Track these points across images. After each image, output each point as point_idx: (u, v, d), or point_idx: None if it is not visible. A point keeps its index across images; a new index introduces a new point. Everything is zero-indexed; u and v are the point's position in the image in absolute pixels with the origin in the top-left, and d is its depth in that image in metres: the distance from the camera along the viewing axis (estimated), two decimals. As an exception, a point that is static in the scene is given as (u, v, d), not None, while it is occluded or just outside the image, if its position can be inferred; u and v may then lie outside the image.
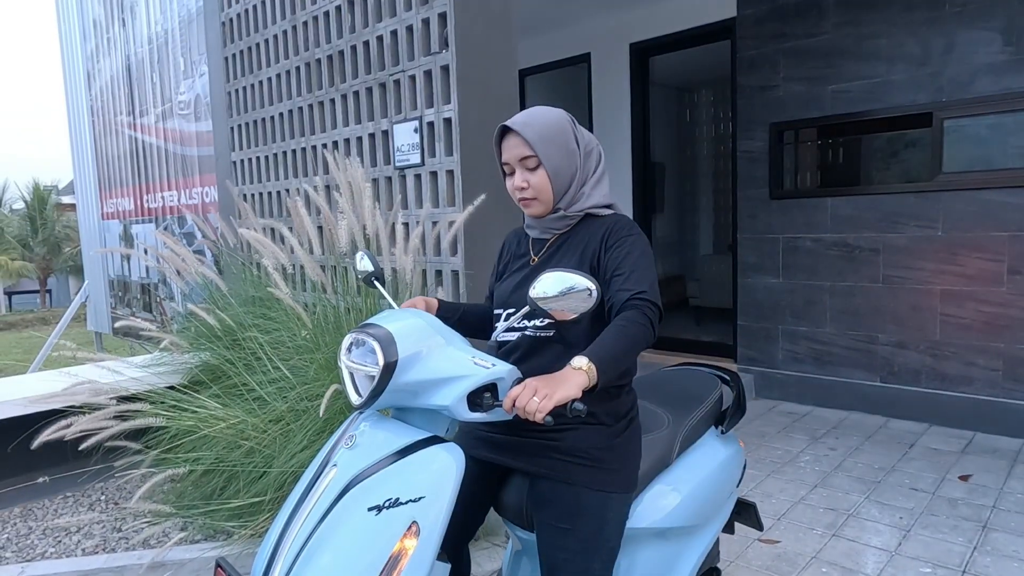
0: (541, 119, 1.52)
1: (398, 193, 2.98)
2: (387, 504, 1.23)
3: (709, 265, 5.40)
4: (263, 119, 3.84)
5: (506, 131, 1.54)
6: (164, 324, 7.23)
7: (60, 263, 25.47)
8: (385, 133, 3.06)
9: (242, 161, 4.06)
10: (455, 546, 1.55)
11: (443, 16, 2.72)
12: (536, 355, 1.49)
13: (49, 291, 26.51)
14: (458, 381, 1.28)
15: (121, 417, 2.83)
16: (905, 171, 3.98)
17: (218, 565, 1.33)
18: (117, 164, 7.73)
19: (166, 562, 2.56)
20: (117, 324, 3.90)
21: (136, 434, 2.94)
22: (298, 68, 3.51)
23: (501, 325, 1.58)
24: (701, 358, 4.90)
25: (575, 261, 1.52)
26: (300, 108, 3.54)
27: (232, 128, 4.09)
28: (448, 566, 1.35)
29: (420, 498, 1.24)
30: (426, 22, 2.80)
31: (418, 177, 2.93)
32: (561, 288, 1.28)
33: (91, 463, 3.17)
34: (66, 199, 27.75)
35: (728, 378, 2.01)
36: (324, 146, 3.41)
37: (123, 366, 3.62)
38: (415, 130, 2.90)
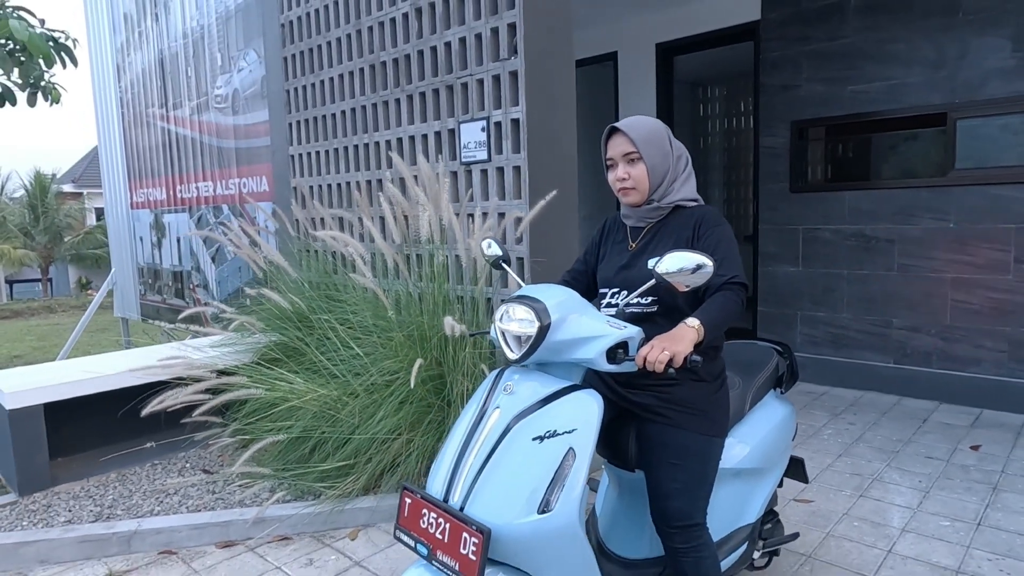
0: (644, 124, 1.82)
1: (468, 187, 3.25)
2: (547, 435, 1.51)
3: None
4: (324, 116, 4.09)
5: (613, 132, 1.83)
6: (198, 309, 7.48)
7: (61, 252, 25.49)
8: (451, 132, 3.33)
9: (300, 155, 4.32)
10: None
11: (512, 26, 2.99)
12: (641, 326, 1.75)
13: (50, 279, 26.52)
14: (599, 339, 1.56)
15: (216, 390, 3.11)
16: (919, 167, 4.28)
17: (404, 488, 1.58)
18: (148, 155, 7.93)
19: (266, 518, 2.85)
20: (183, 314, 4.13)
21: (217, 407, 3.22)
22: (362, 69, 3.77)
23: (609, 300, 1.87)
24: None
25: (670, 246, 1.75)
26: (363, 107, 3.80)
27: (290, 124, 4.34)
28: (587, 490, 1.61)
29: (573, 430, 1.52)
30: (495, 31, 3.07)
31: (484, 172, 3.21)
32: (686, 265, 1.54)
33: (183, 432, 3.45)
34: (66, 188, 27.71)
35: (782, 350, 2.34)
36: (388, 143, 3.68)
37: (198, 345, 3.90)
38: (482, 129, 3.17)
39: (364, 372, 3.18)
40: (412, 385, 2.74)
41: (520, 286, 1.81)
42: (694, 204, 1.85)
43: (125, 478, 3.36)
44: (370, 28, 3.68)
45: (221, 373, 3.23)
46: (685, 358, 1.50)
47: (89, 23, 9.16)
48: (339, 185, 4.06)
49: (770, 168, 4.80)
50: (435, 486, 1.56)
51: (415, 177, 3.10)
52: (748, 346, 2.37)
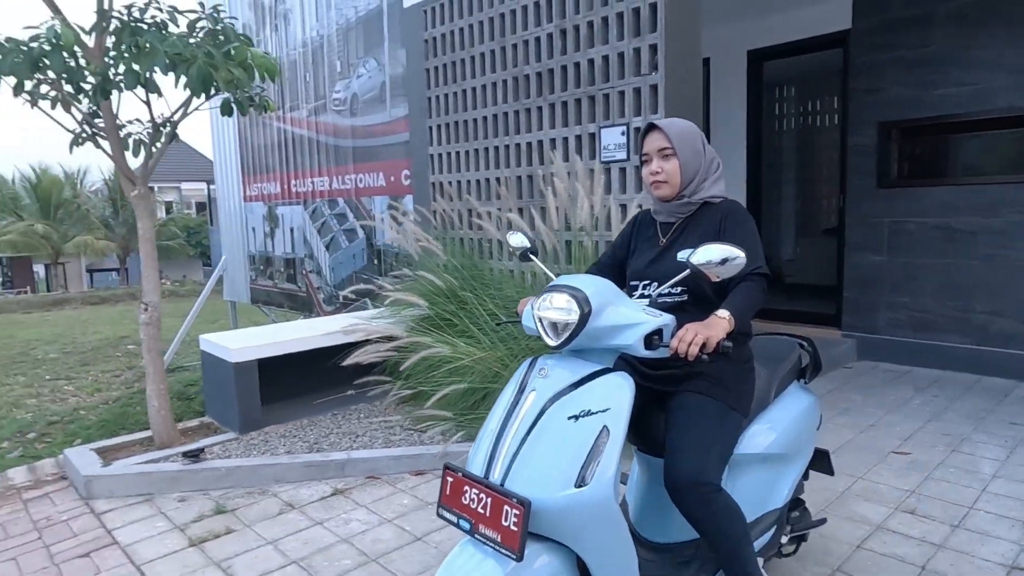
0: (679, 124, 1.99)
1: (607, 183, 3.81)
2: (582, 414, 1.59)
3: (811, 246, 6.12)
4: (464, 121, 4.71)
5: (651, 128, 1.98)
6: (310, 292, 8.27)
7: (136, 243, 26.86)
8: (592, 136, 3.90)
9: (440, 155, 4.95)
10: None
11: (653, 47, 3.54)
12: (673, 314, 1.81)
13: (127, 269, 28.03)
14: (638, 326, 1.65)
15: (397, 349, 3.76)
16: (1003, 165, 4.66)
17: (446, 467, 1.65)
18: (263, 153, 8.73)
19: (449, 452, 3.48)
20: (345, 291, 4.78)
21: (385, 367, 3.88)
22: (504, 81, 4.37)
23: (641, 292, 1.98)
24: (805, 328, 5.67)
25: (697, 239, 1.85)
26: (505, 113, 4.40)
27: (431, 127, 4.97)
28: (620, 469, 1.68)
29: (607, 409, 1.60)
30: (637, 51, 3.62)
31: (622, 170, 3.77)
32: (719, 256, 1.64)
33: (353, 388, 4.11)
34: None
35: (805, 344, 2.43)
36: (528, 144, 4.27)
37: (360, 316, 4.56)
38: (622, 133, 3.73)
39: (510, 339, 3.79)
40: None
41: (549, 276, 1.94)
42: (720, 200, 1.99)
43: (315, 423, 4.05)
44: (514, 45, 4.27)
45: (389, 339, 3.87)
46: (718, 343, 1.63)
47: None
48: (477, 181, 4.67)
49: (858, 165, 5.23)
50: (475, 464, 1.64)
51: (568, 173, 3.67)
52: (770, 340, 2.46)
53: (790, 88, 6.07)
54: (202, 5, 3.42)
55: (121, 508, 3.22)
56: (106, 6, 3.28)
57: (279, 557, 2.71)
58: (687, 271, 1.70)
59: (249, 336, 4.18)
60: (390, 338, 3.98)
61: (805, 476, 2.37)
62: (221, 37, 3.39)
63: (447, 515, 1.63)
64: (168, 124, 3.71)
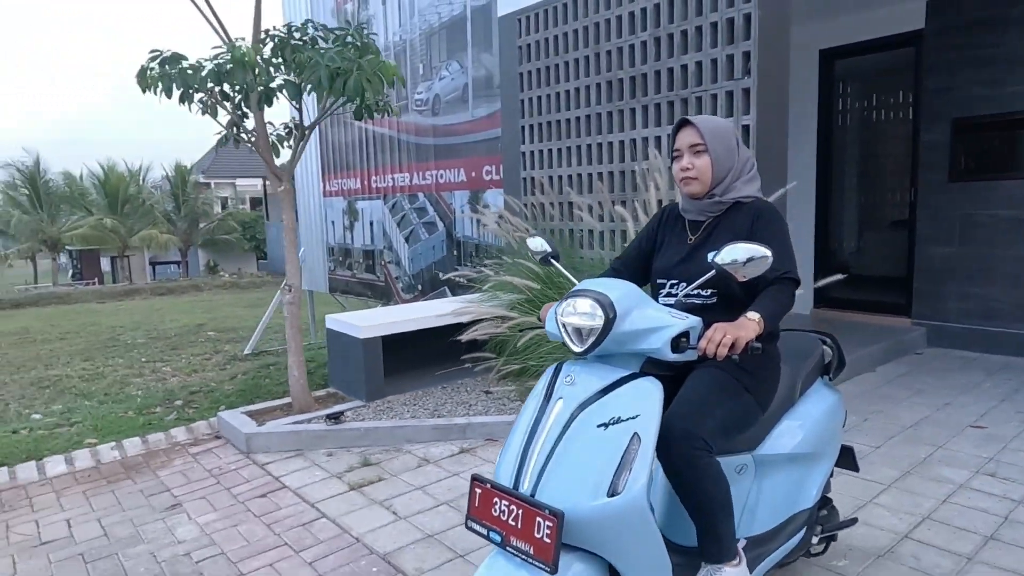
0: (713, 121, 1.96)
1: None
2: (612, 422, 1.56)
3: (879, 239, 6.33)
4: (557, 121, 5.11)
5: (684, 124, 1.94)
6: (388, 282, 8.79)
7: (197, 237, 27.97)
8: (684, 134, 4.25)
9: (531, 152, 5.36)
10: None
11: (747, 53, 3.87)
12: (701, 316, 1.78)
13: (187, 262, 29.17)
14: (663, 330, 1.63)
15: (504, 329, 4.19)
16: (1076, 159, 4.85)
17: (474, 479, 1.63)
18: (344, 151, 9.28)
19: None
20: (447, 275, 5.20)
21: (488, 345, 4.30)
22: (598, 85, 4.75)
23: (668, 291, 1.97)
24: (876, 316, 5.92)
25: (727, 239, 1.77)
26: (598, 114, 4.78)
27: (523, 127, 5.38)
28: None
29: (637, 416, 1.57)
30: (730, 57, 3.96)
31: (713, 166, 4.11)
32: (748, 255, 1.61)
33: (460, 365, 4.56)
34: (195, 179, 30.19)
35: (827, 340, 2.35)
36: (621, 143, 4.64)
37: (462, 299, 5.01)
38: (714, 132, 4.07)
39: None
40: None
41: (572, 281, 1.90)
42: (752, 199, 1.94)
43: (429, 394, 4.51)
44: (608, 52, 4.65)
45: (501, 319, 4.30)
46: (747, 344, 1.60)
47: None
48: (569, 176, 5.06)
49: (930, 160, 5.46)
50: (503, 476, 1.61)
51: (635, 171, 4.04)
52: (794, 336, 2.39)
53: (860, 85, 6.29)
54: (348, 23, 3.89)
55: (280, 460, 3.72)
56: (266, 27, 3.78)
57: (429, 499, 3.16)
58: (713, 272, 1.68)
59: (372, 316, 4.68)
60: (501, 318, 4.40)
61: (831, 474, 2.33)
62: (356, 50, 3.85)
63: (476, 527, 1.60)
64: (299, 127, 4.20)
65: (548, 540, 1.45)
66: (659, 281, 2.02)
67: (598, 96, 4.78)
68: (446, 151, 7.67)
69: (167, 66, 3.75)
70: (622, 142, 4.64)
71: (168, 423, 4.45)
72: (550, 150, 5.20)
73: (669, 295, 1.96)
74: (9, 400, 5.65)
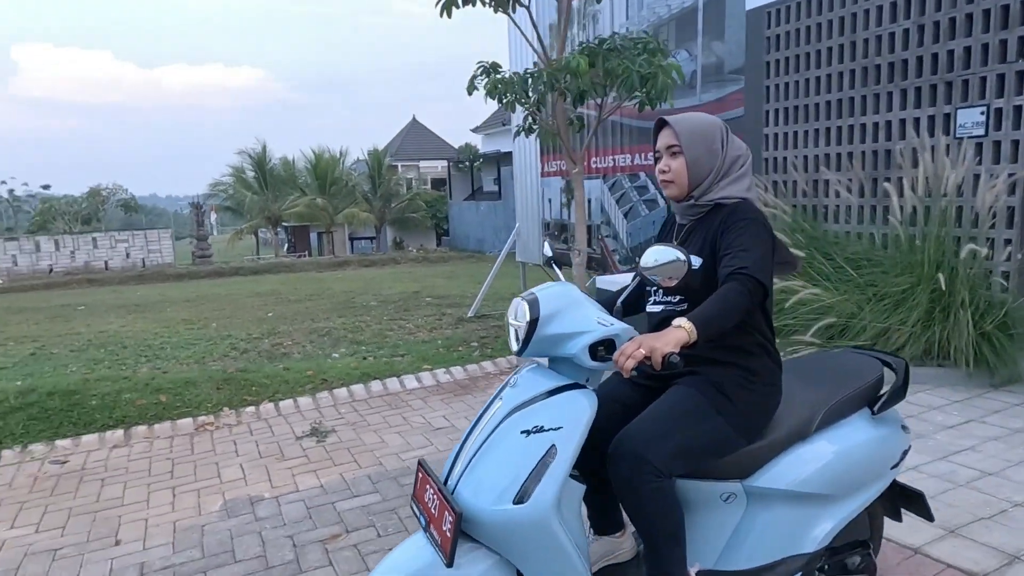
0: (693, 120, 1.85)
1: (963, 157, 4.47)
2: (534, 430, 1.56)
3: None
4: (804, 105, 5.57)
5: (662, 125, 1.86)
6: (605, 254, 9.65)
7: (389, 215, 30.68)
8: (946, 116, 4.56)
9: (775, 134, 5.87)
10: (596, 472, 1.78)
11: (1022, 38, 4.12)
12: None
13: (379, 238, 32.13)
14: (583, 335, 1.60)
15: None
16: None
17: (419, 463, 1.69)
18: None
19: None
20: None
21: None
22: (852, 71, 5.15)
23: (651, 300, 1.92)
24: None
25: (699, 243, 1.77)
26: (851, 98, 5.18)
27: (767, 111, 5.89)
28: (583, 487, 1.65)
29: (559, 428, 1.56)
30: (1003, 41, 4.22)
31: (978, 145, 4.40)
32: (657, 259, 1.57)
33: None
34: (390, 161, 32.95)
35: (893, 364, 2.06)
36: (875, 124, 5.02)
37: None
38: (981, 113, 4.36)
39: (866, 287, 4.63)
40: (943, 287, 4.09)
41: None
42: (736, 200, 1.81)
43: (687, 347, 5.25)
44: (865, 40, 5.03)
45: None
46: (664, 357, 1.46)
47: (511, 34, 11.75)
48: (815, 156, 5.52)
49: None
50: (446, 466, 1.69)
51: (928, 148, 4.41)
52: (847, 357, 2.17)
53: None
54: (646, 32, 4.68)
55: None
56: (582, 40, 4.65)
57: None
58: (637, 279, 1.70)
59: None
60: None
61: (898, 518, 2.15)
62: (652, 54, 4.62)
63: (413, 508, 1.68)
64: (579, 119, 5.06)
65: (448, 535, 1.49)
66: (647, 288, 1.95)
67: (851, 81, 5.17)
68: (669, 134, 8.28)
69: (489, 74, 4.79)
70: (876, 124, 5.02)
71: (476, 357, 5.60)
72: (795, 132, 5.67)
73: (654, 303, 1.91)
74: (304, 343, 6.83)
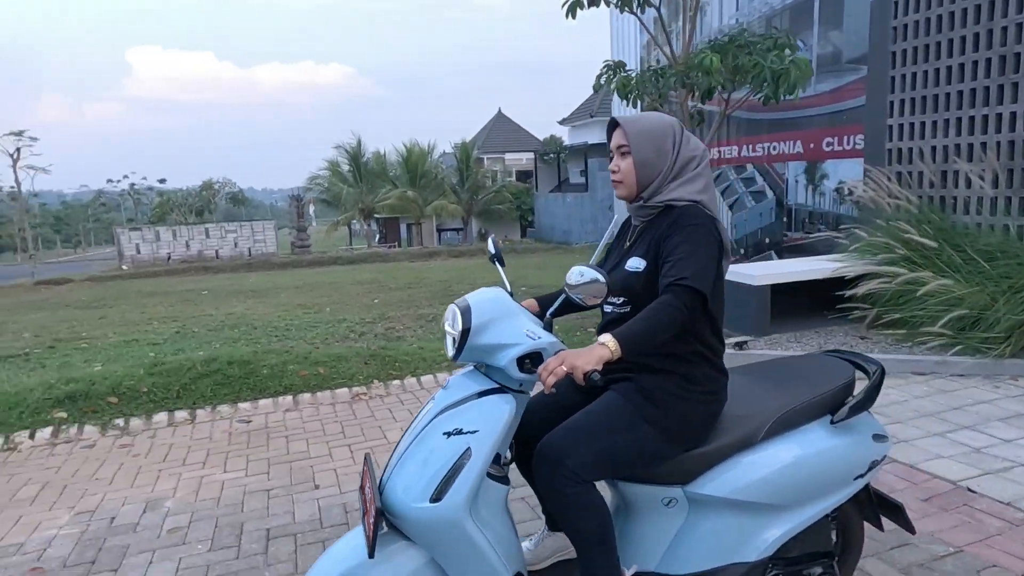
0: (644, 120, 1.82)
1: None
2: (455, 432, 1.63)
3: None
4: (932, 95, 5.51)
5: (615, 125, 1.85)
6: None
7: (476, 207, 31.18)
8: (1094, 104, 4.46)
9: (900, 125, 5.83)
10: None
11: None
12: (618, 327, 1.64)
13: (466, 230, 32.72)
14: (512, 348, 1.63)
15: (880, 283, 4.84)
16: None
17: (365, 458, 1.73)
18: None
19: (947, 361, 4.48)
20: (784, 242, 5.90)
21: (860, 296, 4.94)
22: (987, 59, 5.07)
23: (609, 300, 1.85)
24: None
25: (645, 246, 1.76)
26: (986, 87, 5.11)
27: (891, 102, 5.86)
28: (507, 488, 1.71)
29: (476, 431, 1.62)
30: None
31: None
32: (579, 279, 1.57)
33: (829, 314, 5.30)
34: (477, 154, 33.44)
35: (868, 369, 1.99)
36: (1012, 114, 4.94)
37: (827, 258, 5.73)
38: None
39: (999, 278, 4.59)
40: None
41: (506, 285, 1.90)
42: (685, 203, 1.77)
43: (804, 335, 5.35)
44: (1003, 28, 4.95)
45: (876, 276, 4.95)
46: (586, 374, 1.49)
47: (613, 28, 11.92)
48: (944, 147, 5.46)
49: None
50: (387, 461, 1.75)
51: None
52: (817, 361, 2.12)
53: None
54: (777, 28, 4.83)
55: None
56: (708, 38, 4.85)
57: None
58: (564, 296, 1.70)
59: (764, 268, 5.66)
60: (891, 275, 5.00)
61: (879, 527, 2.08)
62: (776, 48, 4.76)
63: (358, 498, 1.76)
64: (700, 112, 5.23)
65: (370, 529, 1.57)
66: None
67: (987, 70, 5.10)
68: (780, 124, 8.29)
69: (616, 72, 5.05)
70: (1012, 113, 4.94)
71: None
72: (923, 123, 5.62)
73: (607, 304, 1.85)
74: (414, 328, 7.24)
